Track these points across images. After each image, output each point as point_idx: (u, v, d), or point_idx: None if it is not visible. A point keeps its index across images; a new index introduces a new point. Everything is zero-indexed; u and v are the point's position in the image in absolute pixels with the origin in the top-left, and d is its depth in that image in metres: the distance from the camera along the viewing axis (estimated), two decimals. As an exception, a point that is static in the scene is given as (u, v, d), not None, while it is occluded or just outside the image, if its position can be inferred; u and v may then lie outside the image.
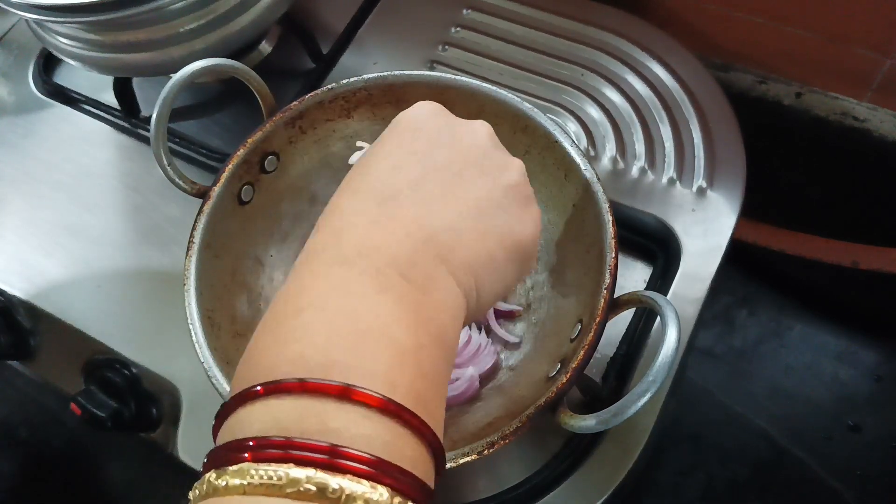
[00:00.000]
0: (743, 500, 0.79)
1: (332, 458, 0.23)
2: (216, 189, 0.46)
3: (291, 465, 0.23)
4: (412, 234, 0.31)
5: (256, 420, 0.25)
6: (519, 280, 0.35)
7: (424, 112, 0.36)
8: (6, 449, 0.85)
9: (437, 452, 0.27)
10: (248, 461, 0.23)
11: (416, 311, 0.29)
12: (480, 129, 0.37)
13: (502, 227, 0.34)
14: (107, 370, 0.54)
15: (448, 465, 0.37)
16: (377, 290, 0.28)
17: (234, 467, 0.23)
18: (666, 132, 0.59)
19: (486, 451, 0.37)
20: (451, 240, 0.31)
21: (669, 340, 0.35)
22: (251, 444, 0.24)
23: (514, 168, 0.36)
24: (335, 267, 0.29)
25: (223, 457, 0.24)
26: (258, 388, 0.25)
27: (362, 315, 0.27)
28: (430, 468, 0.26)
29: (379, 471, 0.23)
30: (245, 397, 0.25)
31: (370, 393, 0.25)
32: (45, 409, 0.84)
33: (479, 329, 0.49)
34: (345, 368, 0.25)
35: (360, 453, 0.23)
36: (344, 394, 0.24)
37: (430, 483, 0.26)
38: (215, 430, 0.27)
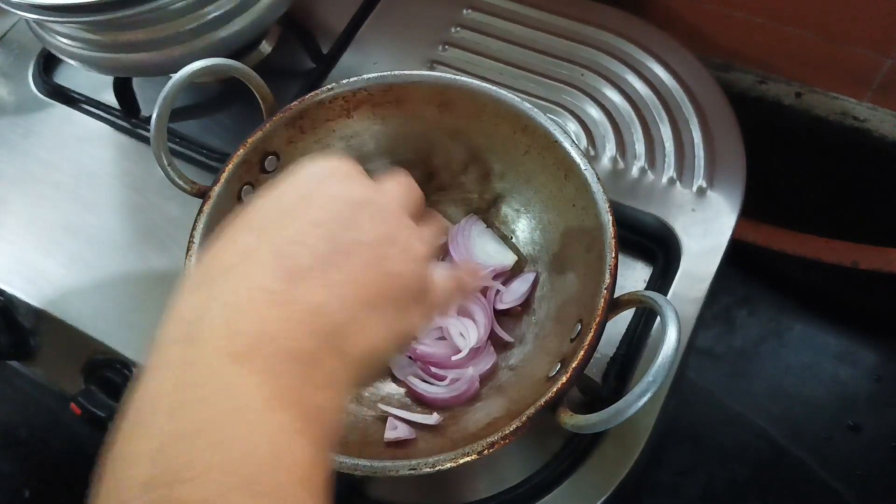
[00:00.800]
0: (743, 500, 0.79)
1: None
2: (216, 189, 0.46)
3: None
4: (315, 327, 0.27)
5: None
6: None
7: (332, 172, 0.32)
8: (6, 449, 0.85)
9: None
10: None
11: (317, 422, 0.26)
12: (393, 201, 0.33)
13: (396, 323, 0.31)
14: (107, 370, 0.54)
15: (448, 466, 0.37)
16: (278, 404, 0.25)
17: None
18: (666, 132, 0.59)
19: (486, 451, 0.37)
20: (352, 333, 0.29)
21: (669, 340, 0.35)
22: None
23: (420, 252, 0.33)
24: (226, 363, 0.25)
25: None
26: None
27: (262, 443, 0.24)
28: None
29: None
30: None
31: None
32: (45, 409, 0.84)
33: (480, 329, 0.49)
34: None
35: None
36: None
37: None
38: None
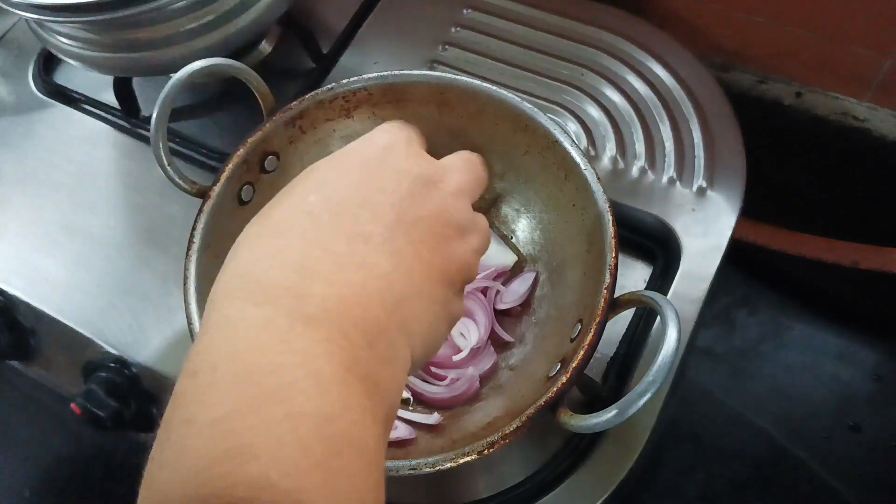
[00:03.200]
0: (743, 500, 0.79)
1: None
2: (216, 189, 0.46)
3: None
4: (384, 295, 0.26)
5: None
6: None
7: (397, 143, 0.32)
8: (6, 449, 0.85)
9: None
10: None
11: (381, 399, 0.25)
12: (455, 183, 0.33)
13: (450, 304, 0.31)
14: (107, 370, 0.54)
15: (448, 466, 0.37)
16: (350, 377, 0.24)
17: None
18: (666, 132, 0.59)
19: (486, 451, 0.37)
20: (414, 308, 0.28)
21: (669, 340, 0.35)
22: None
23: (475, 237, 0.33)
24: (296, 326, 0.24)
25: None
26: None
27: (337, 417, 0.22)
28: None
29: None
30: None
31: None
32: (45, 409, 0.84)
33: (480, 329, 0.49)
34: (314, 496, 0.21)
35: None
36: None
37: None
38: None
